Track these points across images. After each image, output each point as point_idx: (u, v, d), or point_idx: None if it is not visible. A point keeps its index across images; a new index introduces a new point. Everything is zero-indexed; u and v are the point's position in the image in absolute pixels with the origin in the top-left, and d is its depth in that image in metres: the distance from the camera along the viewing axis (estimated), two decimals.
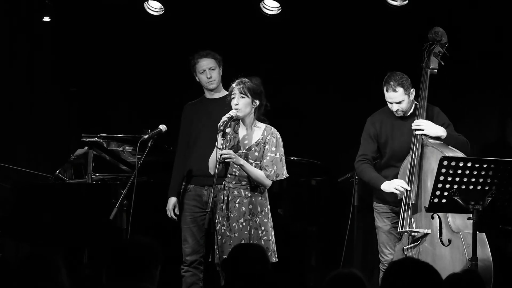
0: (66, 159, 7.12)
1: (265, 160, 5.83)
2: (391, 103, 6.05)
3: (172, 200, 6.42)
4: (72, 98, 8.07)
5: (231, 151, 5.76)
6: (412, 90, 6.03)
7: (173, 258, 6.42)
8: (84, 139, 6.71)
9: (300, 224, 7.20)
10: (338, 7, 7.55)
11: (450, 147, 5.88)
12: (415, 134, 5.94)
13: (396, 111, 6.07)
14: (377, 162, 6.31)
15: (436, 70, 6.08)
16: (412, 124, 5.97)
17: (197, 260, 6.38)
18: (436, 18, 6.78)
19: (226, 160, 5.76)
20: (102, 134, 6.81)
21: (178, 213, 6.41)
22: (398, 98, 6.01)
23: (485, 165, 5.35)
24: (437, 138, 5.94)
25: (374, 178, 6.08)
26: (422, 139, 5.92)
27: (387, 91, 6.03)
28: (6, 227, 6.44)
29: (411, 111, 6.09)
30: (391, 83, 5.99)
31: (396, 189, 5.91)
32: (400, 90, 5.98)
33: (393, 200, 6.07)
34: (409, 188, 5.85)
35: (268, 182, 5.84)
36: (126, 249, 3.96)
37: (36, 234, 6.40)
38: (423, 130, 5.92)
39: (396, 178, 5.99)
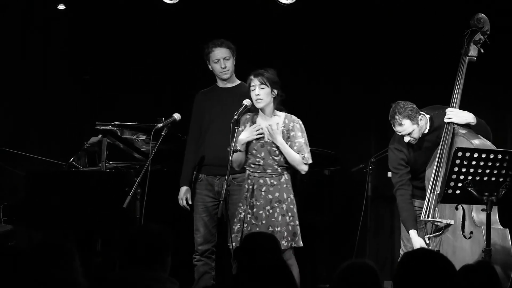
0: (80, 146, 7.13)
1: (295, 147, 5.89)
2: (402, 135, 5.90)
3: (184, 189, 6.42)
4: (85, 86, 8.07)
5: (275, 127, 5.81)
6: (420, 116, 5.85)
7: (186, 246, 6.43)
8: (98, 127, 6.71)
9: (313, 214, 7.18)
10: None
11: (480, 136, 5.78)
12: (446, 123, 5.83)
13: (409, 141, 5.91)
14: None
15: (475, 58, 5.90)
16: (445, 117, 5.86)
17: (209, 249, 6.38)
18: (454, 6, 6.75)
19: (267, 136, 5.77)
20: (116, 122, 6.80)
21: (190, 202, 6.42)
22: (407, 130, 5.83)
23: (499, 156, 5.32)
24: (467, 125, 5.85)
25: (406, 220, 5.93)
26: (454, 128, 5.81)
27: (394, 126, 5.86)
28: (19, 214, 6.46)
29: (428, 128, 5.94)
30: (396, 117, 5.81)
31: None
32: (407, 122, 5.81)
33: (418, 195, 6.02)
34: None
35: (305, 166, 5.90)
36: (137, 237, 3.96)
37: (49, 222, 6.41)
38: (452, 118, 5.83)
39: (423, 186, 5.93)
